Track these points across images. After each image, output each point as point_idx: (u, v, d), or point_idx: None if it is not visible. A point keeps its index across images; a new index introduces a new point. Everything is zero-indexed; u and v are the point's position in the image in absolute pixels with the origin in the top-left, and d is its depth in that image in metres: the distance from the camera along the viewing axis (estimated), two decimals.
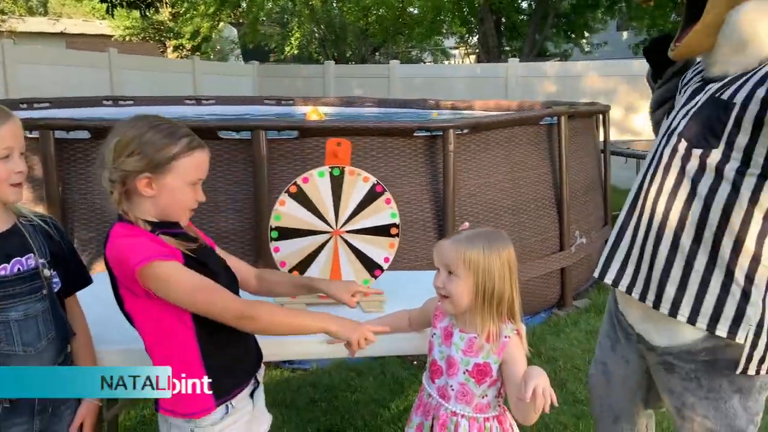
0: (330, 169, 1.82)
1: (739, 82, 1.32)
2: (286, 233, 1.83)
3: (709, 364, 1.40)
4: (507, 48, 19.15)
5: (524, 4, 18.42)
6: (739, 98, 1.29)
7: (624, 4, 16.70)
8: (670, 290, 1.40)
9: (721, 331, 1.36)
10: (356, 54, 18.83)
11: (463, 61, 28.05)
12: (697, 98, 1.41)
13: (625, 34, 22.26)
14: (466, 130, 3.44)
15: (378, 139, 3.26)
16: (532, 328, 3.71)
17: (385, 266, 1.90)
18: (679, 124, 1.43)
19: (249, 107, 7.66)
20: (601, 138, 4.91)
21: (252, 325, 1.35)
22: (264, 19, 17.96)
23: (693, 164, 1.35)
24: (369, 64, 16.14)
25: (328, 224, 1.85)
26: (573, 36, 19.10)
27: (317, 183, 1.81)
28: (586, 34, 19.53)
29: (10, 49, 9.64)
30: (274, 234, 1.82)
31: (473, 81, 10.15)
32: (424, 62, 27.78)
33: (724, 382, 1.40)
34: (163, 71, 9.82)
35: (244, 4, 17.84)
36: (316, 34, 18.29)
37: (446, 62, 29.91)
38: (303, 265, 1.84)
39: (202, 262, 1.36)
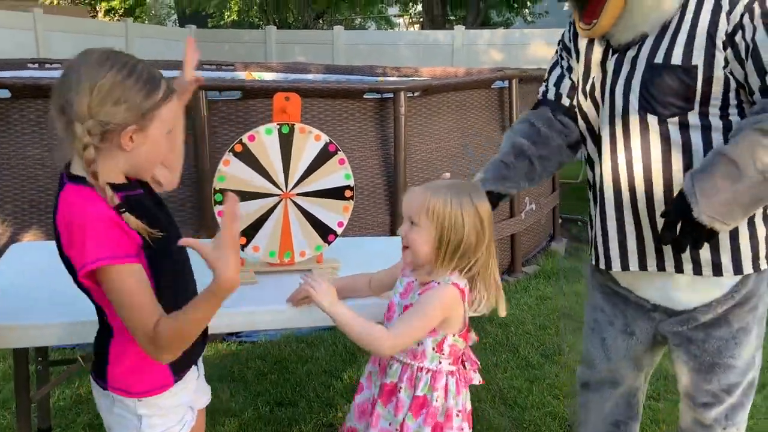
0: (278, 126, 1.69)
1: (674, 40, 1.34)
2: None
3: (739, 305, 1.45)
4: (452, 17, 19.05)
5: None
6: (697, 58, 1.31)
7: None
8: (705, 253, 1.40)
9: (749, 269, 1.41)
10: (299, 21, 18.33)
11: (407, 29, 27.80)
12: (625, 70, 1.41)
13: (565, 5, 22.55)
14: (417, 93, 3.34)
15: (326, 101, 3.12)
16: None
17: (339, 231, 1.79)
18: (627, 101, 1.41)
19: None
20: None
21: (158, 353, 1.15)
22: None
23: (674, 131, 1.36)
24: (312, 30, 15.76)
25: (277, 186, 1.72)
26: (516, 5, 19.16)
27: (264, 141, 1.67)
28: (528, 4, 19.62)
29: None
30: (218, 197, 1.67)
31: (419, 48, 10.03)
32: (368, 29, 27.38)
33: (749, 317, 1.46)
34: (94, 34, 9.23)
35: None
36: (256, 0, 17.67)
37: (390, 30, 29.58)
38: (250, 231, 1.71)
39: (162, 250, 1.20)
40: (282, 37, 10.84)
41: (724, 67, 1.31)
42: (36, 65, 6.39)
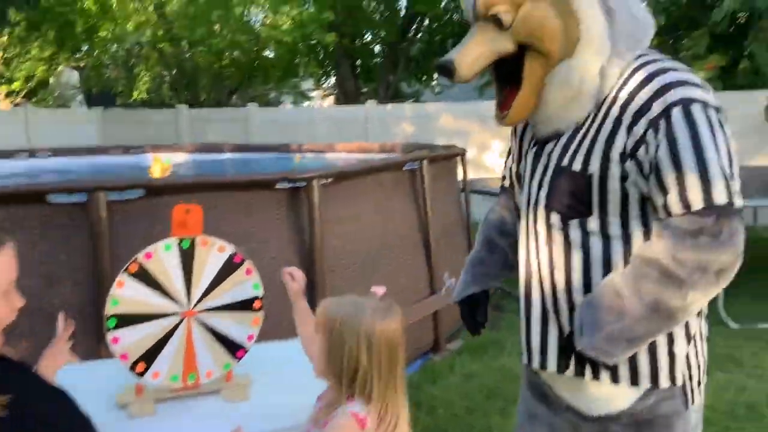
0: (178, 242, 1.59)
1: (580, 146, 1.34)
2: (127, 320, 1.56)
3: (649, 421, 1.38)
4: (364, 90, 19.62)
5: (377, 49, 19.04)
6: (593, 167, 1.31)
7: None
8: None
9: (664, 382, 1.35)
10: (211, 97, 18.28)
11: (321, 103, 28.34)
12: (542, 165, 1.42)
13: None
14: (330, 180, 3.33)
15: (237, 193, 3.04)
16: (409, 378, 3.61)
17: (250, 345, 1.68)
18: (538, 196, 1.42)
19: (93, 158, 7.02)
20: (460, 178, 5.04)
21: None
22: (109, 62, 16.87)
23: (575, 234, 1.35)
24: (226, 108, 15.71)
25: (177, 304, 1.61)
26: (423, 78, 20.02)
27: (163, 258, 1.57)
28: (435, 77, 20.54)
29: None
30: (111, 322, 1.54)
31: (334, 123, 10.18)
32: (283, 104, 27.67)
33: None
34: None
35: (84, 47, 16.68)
36: (167, 78, 17.52)
37: (305, 104, 30.07)
38: (149, 356, 1.58)
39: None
40: (194, 115, 10.71)
41: (622, 180, 1.28)
42: (26, 155, 6.29)
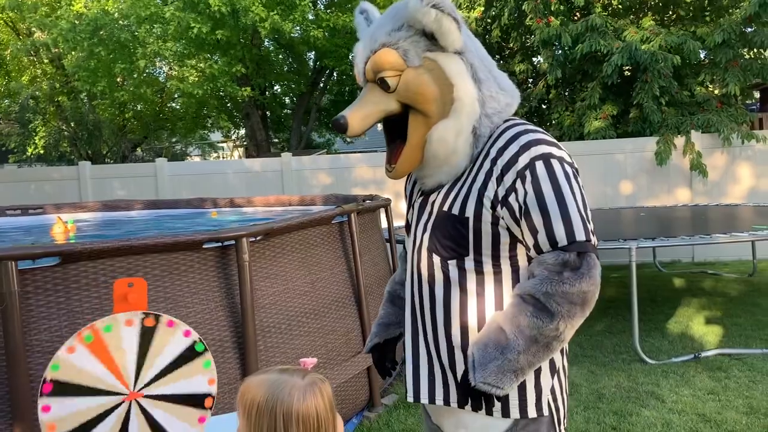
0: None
1: (458, 193, 1.51)
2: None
3: None
4: (275, 140, 19.55)
5: (287, 100, 19.12)
6: (469, 212, 1.47)
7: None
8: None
9: (532, 412, 1.50)
10: (114, 152, 17.57)
11: (231, 155, 27.89)
12: (426, 212, 1.58)
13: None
14: (259, 237, 3.23)
15: (160, 255, 2.88)
16: None
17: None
18: (422, 240, 1.58)
19: None
20: (385, 228, 5.06)
21: None
22: (0, 117, 15.88)
23: (454, 272, 1.50)
24: (133, 163, 15.10)
25: (122, 383, 1.47)
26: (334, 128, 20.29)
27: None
28: None
29: None
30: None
31: (247, 176, 10.00)
32: (191, 156, 27.00)
33: None
34: None
35: None
36: (66, 132, 16.69)
37: (214, 155, 29.48)
38: None
39: None
40: (98, 172, 10.18)
41: (493, 224, 1.45)
42: None
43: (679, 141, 9.07)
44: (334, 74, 16.55)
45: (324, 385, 1.28)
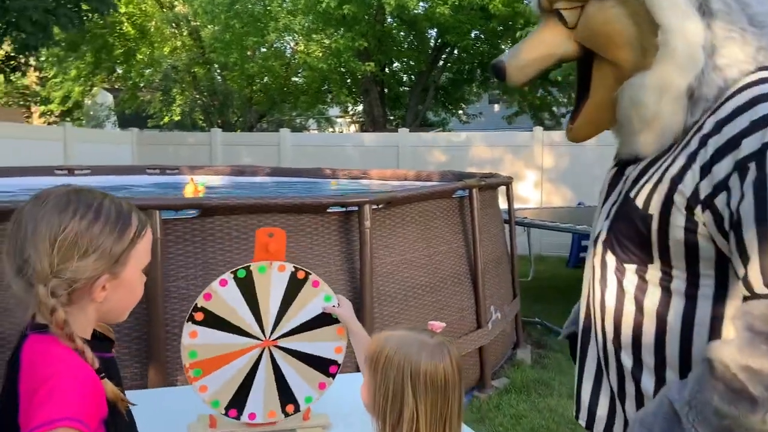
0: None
1: (649, 178, 1.08)
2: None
3: None
4: (391, 117, 19.71)
5: (405, 78, 19.16)
6: (654, 207, 1.04)
7: (496, 81, 17.82)
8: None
9: None
10: (242, 122, 18.49)
11: (348, 130, 28.50)
12: (617, 190, 1.18)
13: (496, 106, 23.81)
14: (381, 205, 3.24)
15: (288, 216, 2.97)
16: None
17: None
18: (602, 228, 1.18)
19: (129, 177, 7.06)
20: (504, 208, 4.93)
21: None
22: (143, 85, 17.21)
23: (631, 282, 1.10)
24: (258, 132, 15.84)
25: (253, 337, 1.52)
26: (451, 107, 20.07)
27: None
28: (463, 106, 20.59)
29: None
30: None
31: (364, 150, 10.16)
32: (309, 130, 27.88)
33: None
34: (27, 138, 8.90)
35: (119, 69, 17.04)
36: (199, 101, 17.79)
37: (330, 130, 30.27)
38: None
39: (121, 426, 1.03)
40: (227, 139, 10.79)
41: (689, 230, 1.01)
42: (65, 172, 6.50)
43: None
44: (455, 51, 16.32)
45: (452, 347, 1.24)
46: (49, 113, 18.16)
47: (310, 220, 3.04)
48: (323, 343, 1.56)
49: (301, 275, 1.56)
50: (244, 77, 16.12)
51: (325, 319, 1.56)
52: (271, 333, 1.52)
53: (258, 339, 1.51)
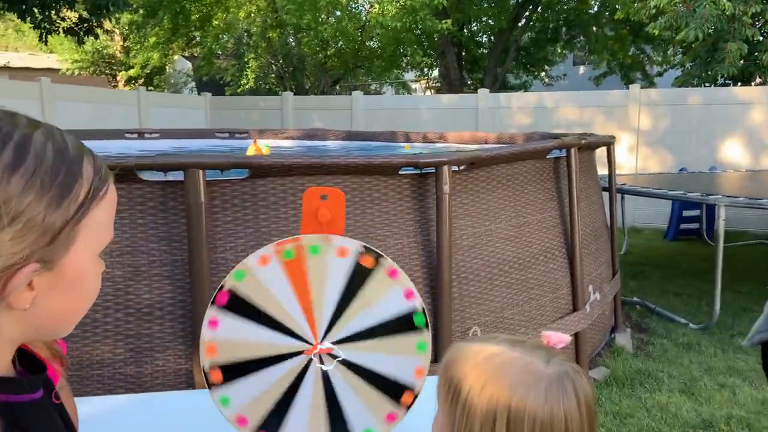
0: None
1: None
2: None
3: None
4: (469, 81, 18.90)
5: (484, 38, 18.26)
6: None
7: (583, 38, 16.65)
8: None
9: None
10: (315, 87, 18.24)
11: (425, 94, 27.80)
12: None
13: (581, 68, 22.47)
14: (462, 167, 2.75)
15: (353, 178, 2.54)
16: None
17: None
18: None
19: (198, 141, 6.88)
20: (603, 174, 4.30)
21: None
22: (219, 52, 17.22)
23: None
24: (330, 96, 15.56)
25: (299, 339, 1.09)
26: (533, 69, 19.01)
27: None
28: (546, 68, 19.49)
29: None
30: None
31: (440, 112, 9.59)
32: (383, 94, 27.43)
33: None
34: (103, 102, 8.93)
35: (197, 35, 17.11)
36: (273, 67, 17.66)
37: (410, 95, 29.67)
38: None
39: None
40: (299, 103, 10.51)
41: None
42: (135, 135, 6.49)
43: None
44: (539, 9, 15.27)
45: (579, 379, 0.79)
46: (132, 80, 18.58)
47: (378, 184, 2.59)
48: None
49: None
50: (317, 41, 15.78)
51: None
52: (324, 337, 1.09)
53: (305, 342, 1.08)
